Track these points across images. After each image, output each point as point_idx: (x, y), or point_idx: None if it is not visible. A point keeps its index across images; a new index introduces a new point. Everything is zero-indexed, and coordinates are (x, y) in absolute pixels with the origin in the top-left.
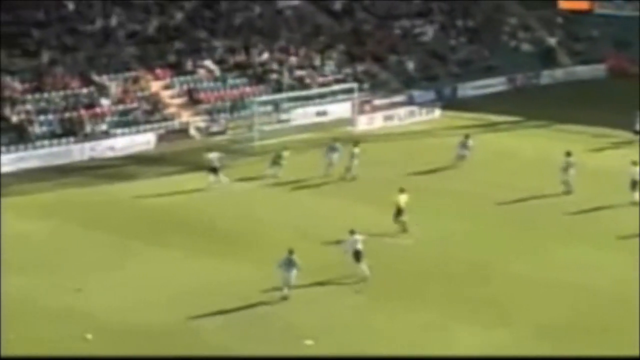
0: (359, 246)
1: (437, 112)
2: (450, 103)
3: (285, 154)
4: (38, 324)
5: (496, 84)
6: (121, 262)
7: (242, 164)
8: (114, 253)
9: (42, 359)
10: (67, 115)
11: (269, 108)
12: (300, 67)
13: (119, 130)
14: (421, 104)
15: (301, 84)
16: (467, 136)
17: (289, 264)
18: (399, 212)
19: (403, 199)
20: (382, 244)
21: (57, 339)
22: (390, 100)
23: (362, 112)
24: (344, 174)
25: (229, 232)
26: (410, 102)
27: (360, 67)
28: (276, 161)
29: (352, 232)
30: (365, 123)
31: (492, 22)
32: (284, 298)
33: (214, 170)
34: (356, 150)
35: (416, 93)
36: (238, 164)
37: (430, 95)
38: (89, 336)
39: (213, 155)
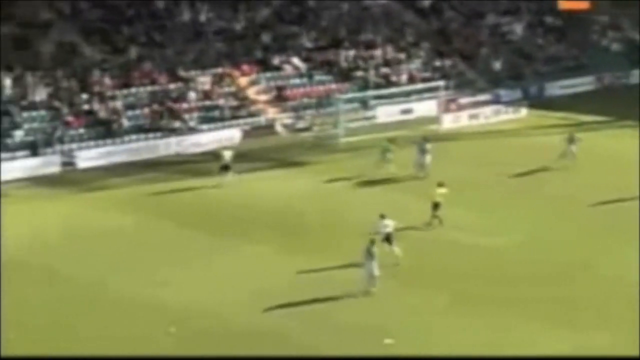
0: (389, 230)
1: (524, 111)
2: (537, 102)
3: (391, 148)
4: (122, 317)
5: (584, 83)
6: (205, 258)
7: (328, 160)
8: (198, 248)
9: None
10: (154, 110)
11: (355, 105)
12: (386, 65)
13: (204, 126)
14: (507, 103)
15: (387, 81)
16: (571, 135)
17: (369, 254)
18: (435, 206)
19: (441, 192)
20: (473, 246)
21: (140, 332)
22: (476, 98)
23: (447, 110)
24: (417, 172)
25: (315, 229)
26: (496, 100)
27: (446, 65)
28: (385, 157)
29: (382, 217)
30: (451, 121)
31: (581, 21)
32: (367, 293)
33: (226, 167)
34: (428, 146)
35: (502, 92)
36: (323, 160)
37: (517, 94)
38: (173, 329)
39: (227, 153)
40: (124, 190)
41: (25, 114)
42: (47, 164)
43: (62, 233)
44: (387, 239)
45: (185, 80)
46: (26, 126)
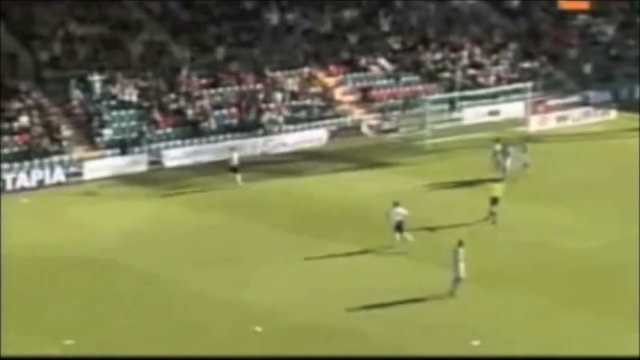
0: (400, 218)
1: (613, 114)
2: (627, 104)
3: (508, 150)
4: (206, 316)
5: None
6: (290, 256)
7: (414, 162)
8: (283, 247)
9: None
10: (241, 110)
11: (441, 106)
12: (474, 66)
13: (291, 126)
14: (596, 105)
15: (474, 82)
16: None
17: (455, 256)
18: (494, 201)
19: (498, 188)
20: (564, 248)
21: (227, 332)
22: (564, 100)
23: (535, 112)
24: (502, 173)
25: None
26: (584, 102)
27: (534, 67)
28: (498, 158)
29: (395, 204)
30: (538, 123)
31: None
32: (451, 294)
33: (234, 169)
34: (511, 149)
35: (591, 93)
36: (410, 162)
37: (606, 95)
38: (259, 329)
39: (235, 155)
40: (210, 190)
41: (114, 113)
42: (135, 162)
43: (148, 231)
44: (399, 226)
45: (272, 81)
46: (115, 125)
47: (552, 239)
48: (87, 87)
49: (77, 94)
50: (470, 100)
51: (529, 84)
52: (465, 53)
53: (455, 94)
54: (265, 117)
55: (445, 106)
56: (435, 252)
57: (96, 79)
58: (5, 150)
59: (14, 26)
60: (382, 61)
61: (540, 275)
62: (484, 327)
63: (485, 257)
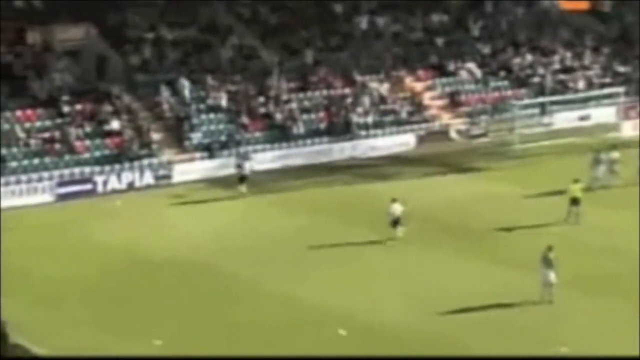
0: (398, 213)
1: None
2: None
3: (615, 156)
4: (293, 317)
5: None
6: (377, 261)
7: (502, 167)
8: (369, 251)
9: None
10: (329, 114)
11: (531, 111)
12: (564, 70)
13: (379, 131)
14: None
15: (564, 87)
16: None
17: (547, 261)
18: (574, 201)
19: (577, 189)
20: None
21: (311, 334)
22: None
23: (627, 117)
24: (591, 183)
25: (488, 234)
26: None
27: (627, 71)
28: (601, 166)
29: (393, 201)
30: (631, 129)
31: None
32: (549, 302)
33: (243, 178)
34: (603, 156)
35: None
36: (498, 166)
37: None
38: (343, 332)
39: (247, 164)
40: (298, 193)
41: (203, 117)
42: (223, 166)
43: (236, 234)
44: (395, 222)
45: (361, 85)
46: (204, 128)
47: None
48: (176, 91)
49: (167, 97)
50: (560, 105)
51: (621, 89)
52: (556, 57)
53: (545, 98)
54: (354, 122)
55: (534, 111)
56: (524, 257)
57: (186, 82)
58: (97, 153)
59: (106, 30)
60: (471, 66)
61: (627, 281)
62: (576, 334)
63: (574, 261)
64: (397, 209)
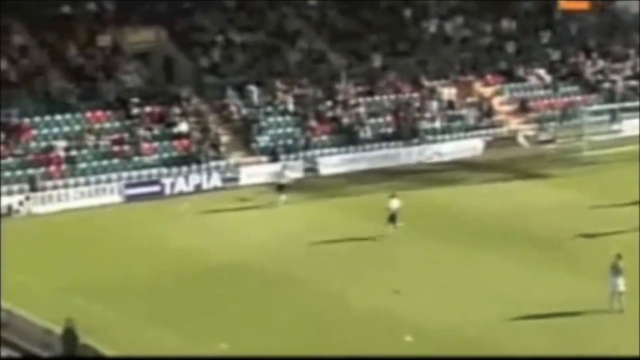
0: (395, 208)
1: None
2: None
3: None
4: (354, 324)
5: None
6: (443, 266)
7: (571, 173)
8: (436, 256)
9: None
10: (397, 119)
11: (600, 118)
12: (636, 77)
13: (447, 136)
14: None
15: (634, 93)
16: None
17: (615, 270)
18: None
19: None
20: None
21: (376, 340)
22: None
23: None
24: None
25: (559, 243)
26: None
27: None
28: None
29: (391, 196)
30: None
31: None
32: (619, 311)
33: (281, 187)
34: None
35: None
36: (566, 173)
37: None
38: (409, 339)
39: (287, 172)
40: (365, 198)
41: (271, 120)
42: (290, 169)
43: (301, 238)
44: (392, 217)
45: (429, 90)
46: (271, 132)
47: None
48: (244, 94)
49: (235, 100)
50: (630, 112)
51: None
52: (628, 63)
53: (615, 105)
54: (421, 126)
55: (604, 117)
56: (592, 265)
57: (254, 88)
58: (165, 155)
59: (176, 33)
60: (540, 71)
61: None
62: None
63: None
64: (395, 203)
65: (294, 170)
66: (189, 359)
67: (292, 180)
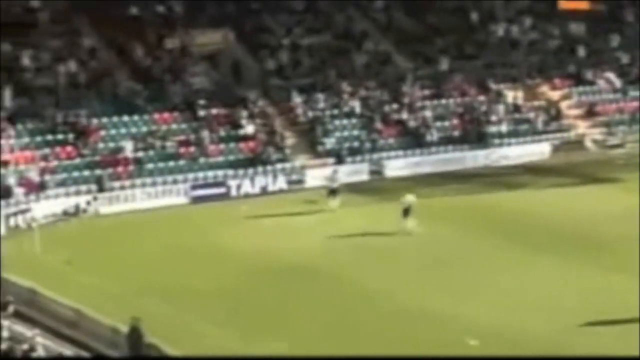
0: (408, 204)
1: None
2: None
3: None
4: (418, 327)
5: None
6: (507, 271)
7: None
8: (500, 261)
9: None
10: (463, 122)
11: None
12: None
13: (513, 139)
14: None
15: None
16: None
17: None
18: None
19: None
20: None
21: (438, 344)
22: None
23: None
24: None
25: (620, 247)
26: None
27: None
28: None
29: (408, 193)
30: None
31: None
32: None
33: (333, 192)
34: None
35: None
36: (635, 178)
37: None
38: (473, 342)
39: (337, 176)
40: (431, 201)
41: (337, 122)
42: (356, 171)
43: (366, 241)
44: (405, 212)
45: (496, 93)
46: (337, 134)
47: None
48: (311, 96)
49: (301, 102)
50: None
51: None
52: None
53: None
54: (488, 130)
55: None
56: None
57: (320, 88)
58: (231, 157)
59: (243, 35)
60: (610, 75)
61: None
62: None
63: None
64: (410, 198)
65: (359, 173)
66: (250, 359)
67: (342, 185)
